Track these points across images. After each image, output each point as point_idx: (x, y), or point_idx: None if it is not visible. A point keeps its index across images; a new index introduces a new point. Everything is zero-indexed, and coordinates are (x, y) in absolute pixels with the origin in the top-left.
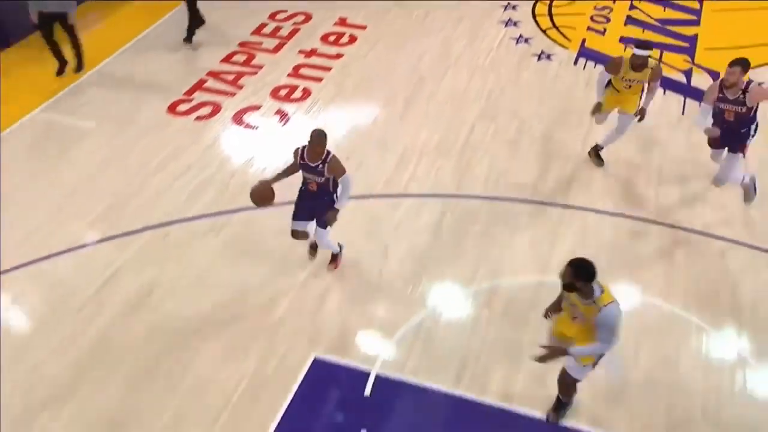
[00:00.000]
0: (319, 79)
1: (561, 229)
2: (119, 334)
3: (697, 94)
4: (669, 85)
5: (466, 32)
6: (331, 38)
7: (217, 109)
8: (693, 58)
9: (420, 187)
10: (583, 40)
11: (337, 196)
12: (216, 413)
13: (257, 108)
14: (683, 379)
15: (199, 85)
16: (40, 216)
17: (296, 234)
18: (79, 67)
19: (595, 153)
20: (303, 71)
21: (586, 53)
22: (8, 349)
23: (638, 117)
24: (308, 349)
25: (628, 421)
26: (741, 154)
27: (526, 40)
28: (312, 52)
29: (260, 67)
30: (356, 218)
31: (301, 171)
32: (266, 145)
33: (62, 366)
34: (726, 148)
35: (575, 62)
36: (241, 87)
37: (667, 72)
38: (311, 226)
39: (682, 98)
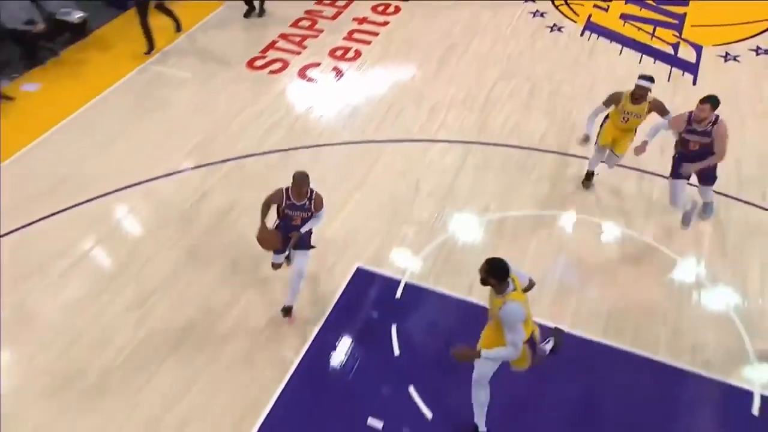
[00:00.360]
0: (368, 42)
1: (560, 172)
2: (207, 240)
3: (681, 64)
4: (659, 55)
5: (491, 7)
6: (380, 8)
7: (285, 65)
8: (681, 33)
9: (447, 134)
10: (589, 15)
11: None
12: (279, 304)
13: (317, 65)
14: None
15: (271, 45)
16: (148, 147)
17: (276, 266)
18: (179, 28)
19: (587, 178)
20: (355, 35)
21: (591, 27)
22: (125, 246)
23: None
24: (352, 261)
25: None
26: (711, 187)
27: (542, 14)
28: (363, 20)
29: (321, 31)
30: (395, 159)
31: (284, 210)
32: (323, 95)
33: (167, 261)
34: (684, 181)
35: (581, 34)
36: (305, 47)
37: (657, 44)
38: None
39: (669, 67)
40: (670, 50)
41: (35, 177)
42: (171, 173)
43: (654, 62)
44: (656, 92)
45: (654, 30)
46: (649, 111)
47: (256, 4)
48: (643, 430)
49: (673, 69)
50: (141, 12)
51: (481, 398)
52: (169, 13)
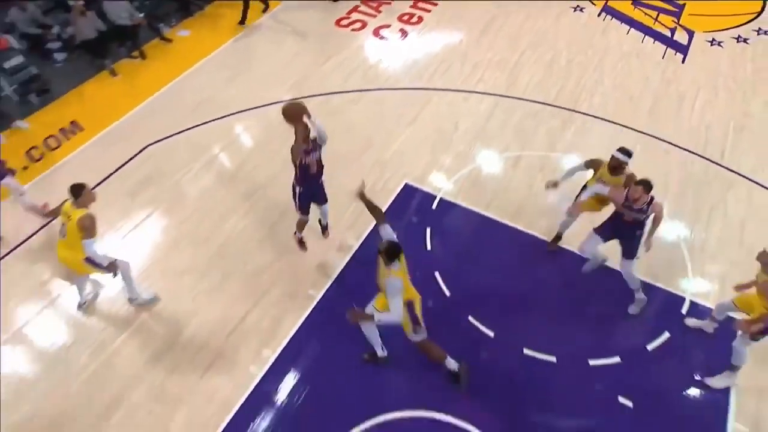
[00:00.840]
0: (429, 11)
1: (567, 125)
2: None
3: (675, 45)
4: (658, 37)
5: None
6: None
7: (364, 24)
8: (678, 20)
9: (484, 88)
10: (607, 0)
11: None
12: (349, 198)
13: (388, 26)
14: None
15: (354, 9)
16: (259, 82)
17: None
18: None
19: (556, 239)
20: (419, 5)
21: (607, 9)
22: (241, 154)
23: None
24: (402, 178)
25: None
26: (634, 260)
27: None
28: None
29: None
30: (440, 105)
31: (303, 154)
32: (391, 50)
33: (270, 167)
34: (606, 241)
35: (599, 15)
36: (380, 12)
37: (658, 28)
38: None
39: (665, 47)
40: (668, 33)
41: (184, 99)
42: (275, 102)
43: (654, 42)
44: (652, 68)
45: (657, 16)
46: (626, 185)
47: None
48: (606, 317)
49: (668, 49)
50: None
51: (370, 333)
52: None
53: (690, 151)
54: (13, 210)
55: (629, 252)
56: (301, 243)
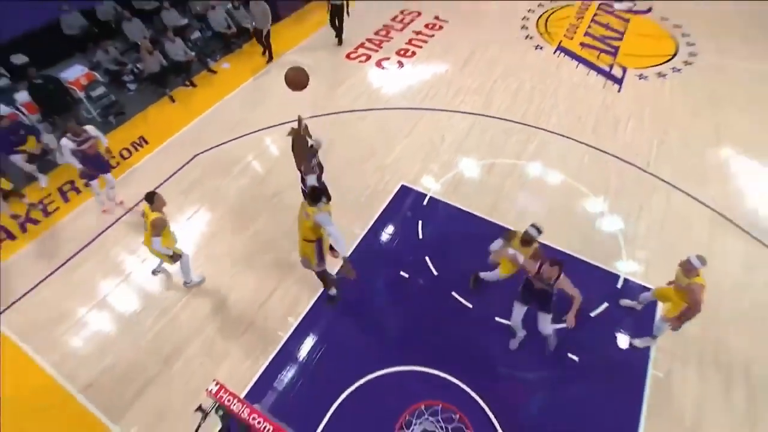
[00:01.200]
0: (420, 47)
1: (531, 138)
2: None
3: (612, 78)
4: (600, 71)
5: (500, 31)
6: (429, 26)
7: (368, 57)
8: (615, 58)
9: (465, 108)
10: (560, 41)
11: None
12: (356, 196)
13: (388, 59)
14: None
15: (361, 45)
16: (282, 104)
17: None
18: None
19: (475, 279)
20: (413, 41)
21: (560, 48)
22: (269, 161)
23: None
24: (399, 180)
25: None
26: (550, 315)
27: (531, 38)
28: (419, 32)
29: (392, 37)
30: (430, 122)
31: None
32: (391, 78)
33: (292, 173)
34: (526, 307)
35: (554, 53)
36: (381, 47)
37: (600, 64)
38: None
39: (605, 79)
40: (607, 68)
41: (225, 118)
42: (285, 122)
43: (597, 75)
44: (595, 95)
45: (599, 54)
46: (533, 256)
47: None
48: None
49: (607, 81)
50: (258, 36)
51: (325, 276)
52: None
53: (624, 161)
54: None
55: (546, 309)
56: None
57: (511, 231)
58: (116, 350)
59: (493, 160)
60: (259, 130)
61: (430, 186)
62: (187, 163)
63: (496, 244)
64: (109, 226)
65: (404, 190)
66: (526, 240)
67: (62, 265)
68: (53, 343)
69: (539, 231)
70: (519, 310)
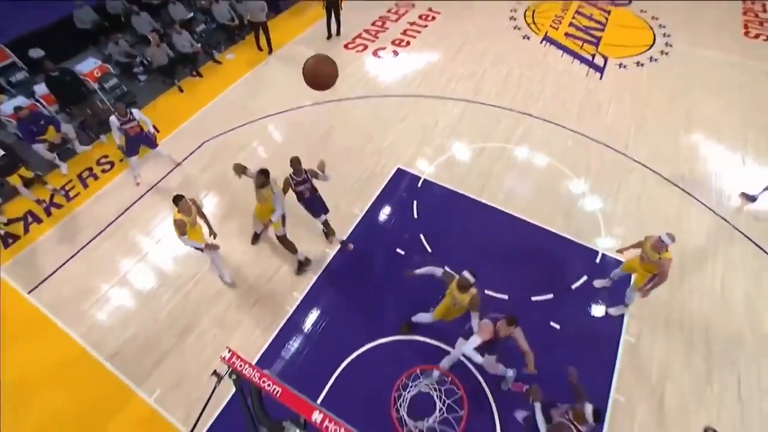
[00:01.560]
0: (414, 37)
1: (519, 123)
2: (319, 141)
3: (594, 66)
4: (583, 59)
5: (491, 21)
6: (423, 17)
7: (365, 47)
8: (597, 48)
9: (456, 95)
10: (546, 31)
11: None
12: (355, 179)
13: (384, 48)
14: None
15: (359, 35)
16: (284, 92)
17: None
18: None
19: (407, 324)
20: (408, 32)
21: (546, 38)
22: (273, 145)
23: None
24: (395, 163)
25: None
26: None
27: (519, 28)
28: (413, 23)
29: (388, 28)
30: (424, 108)
31: (295, 187)
32: (387, 66)
33: (297, 150)
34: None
35: (541, 42)
36: (377, 38)
37: (583, 53)
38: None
39: (588, 67)
40: (589, 57)
41: (231, 106)
42: (298, 107)
43: (580, 63)
44: (579, 82)
45: (582, 44)
46: (470, 303)
47: (333, 28)
48: (545, 267)
49: (590, 69)
50: (255, 29)
51: (288, 246)
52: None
53: (605, 144)
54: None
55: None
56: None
57: (450, 274)
58: (137, 323)
59: (483, 144)
60: (262, 118)
61: (425, 169)
62: (197, 149)
63: (428, 270)
64: (126, 209)
65: (400, 173)
66: (464, 285)
67: (85, 245)
68: (80, 317)
69: (475, 276)
70: (477, 356)
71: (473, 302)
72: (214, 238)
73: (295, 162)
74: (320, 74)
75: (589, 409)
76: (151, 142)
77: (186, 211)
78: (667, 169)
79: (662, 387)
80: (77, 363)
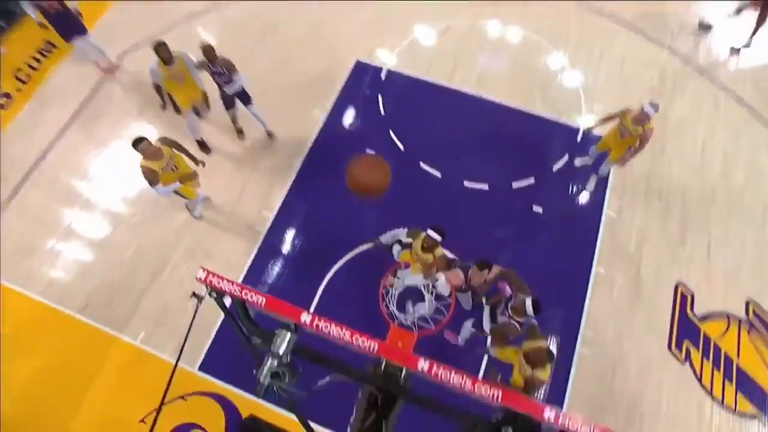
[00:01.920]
0: None
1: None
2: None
3: None
4: None
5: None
6: None
7: None
8: None
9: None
10: None
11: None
12: (308, 77)
13: None
14: None
15: None
16: None
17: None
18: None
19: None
20: None
21: None
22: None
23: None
24: (353, 57)
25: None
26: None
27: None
28: None
29: None
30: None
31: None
32: None
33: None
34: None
35: None
36: None
37: None
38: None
39: None
40: None
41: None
42: None
43: None
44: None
45: None
46: (433, 264)
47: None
48: (524, 151)
49: None
50: None
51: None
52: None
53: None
54: None
55: (479, 325)
56: (240, 133)
57: (416, 231)
58: (100, 272)
59: (448, 22)
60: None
61: (386, 59)
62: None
63: (393, 235)
64: (47, 152)
65: (360, 66)
66: (428, 246)
67: (12, 197)
68: (33, 276)
69: (442, 234)
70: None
71: (442, 262)
72: (203, 166)
73: (208, 50)
74: (371, 189)
75: (528, 301)
76: (78, 26)
77: (154, 155)
78: (653, 30)
79: (639, 254)
80: (46, 321)
